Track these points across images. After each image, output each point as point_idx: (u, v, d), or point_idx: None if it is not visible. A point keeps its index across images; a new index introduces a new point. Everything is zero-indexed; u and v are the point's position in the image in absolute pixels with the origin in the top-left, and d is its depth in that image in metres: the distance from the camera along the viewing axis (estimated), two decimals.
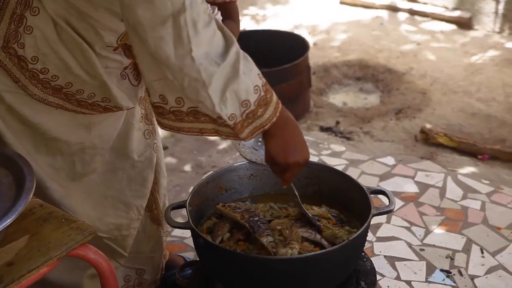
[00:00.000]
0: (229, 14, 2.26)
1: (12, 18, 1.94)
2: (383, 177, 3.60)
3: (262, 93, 1.81)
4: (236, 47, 1.77)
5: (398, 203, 3.33)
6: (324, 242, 2.12)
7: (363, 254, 2.30)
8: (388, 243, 3.09)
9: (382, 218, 3.22)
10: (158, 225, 2.59)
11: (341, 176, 2.35)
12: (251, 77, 1.79)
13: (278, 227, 2.12)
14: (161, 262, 2.69)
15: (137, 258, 2.57)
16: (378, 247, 3.06)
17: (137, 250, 2.55)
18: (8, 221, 1.71)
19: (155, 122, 2.44)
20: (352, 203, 2.27)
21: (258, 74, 1.82)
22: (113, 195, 2.34)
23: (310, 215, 2.18)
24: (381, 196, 3.13)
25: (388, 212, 2.20)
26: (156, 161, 2.49)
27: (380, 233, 3.15)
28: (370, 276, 2.23)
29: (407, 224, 3.21)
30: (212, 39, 1.73)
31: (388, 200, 2.24)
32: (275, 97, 1.86)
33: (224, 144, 4.05)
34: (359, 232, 2.04)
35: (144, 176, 2.40)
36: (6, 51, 1.98)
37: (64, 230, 1.87)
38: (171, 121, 1.85)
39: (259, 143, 2.22)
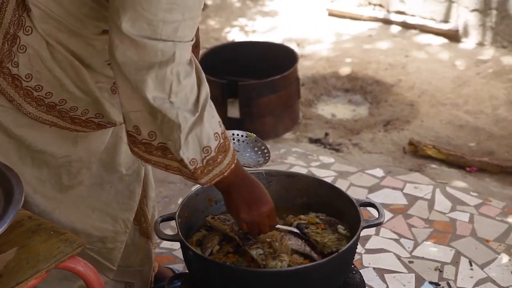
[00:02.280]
0: None
1: (6, 38, 1.95)
2: (372, 189, 3.60)
3: (222, 140, 1.86)
4: (205, 92, 1.83)
5: (387, 215, 3.33)
6: (314, 255, 2.12)
7: (352, 266, 2.30)
8: (377, 255, 3.09)
9: (371, 230, 3.22)
10: (147, 238, 2.58)
11: (331, 189, 2.35)
12: (212, 123, 1.84)
13: (267, 240, 2.11)
14: (150, 276, 2.68)
15: (126, 271, 2.56)
16: (367, 259, 3.06)
17: (126, 263, 2.54)
18: None
19: None
20: (342, 215, 2.27)
21: (219, 121, 1.87)
22: (100, 208, 2.33)
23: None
24: (370, 208, 3.14)
25: (378, 224, 2.21)
26: (144, 173, 2.48)
27: (369, 245, 3.15)
28: None
29: (396, 236, 3.21)
30: (191, 87, 1.79)
31: (377, 213, 2.24)
32: (231, 145, 1.91)
33: None
34: (348, 245, 2.05)
35: (132, 189, 2.40)
36: (0, 71, 1.98)
37: (53, 242, 1.86)
38: (141, 151, 1.89)
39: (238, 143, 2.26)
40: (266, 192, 2.02)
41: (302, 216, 2.28)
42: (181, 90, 1.76)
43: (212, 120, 1.83)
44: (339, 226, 2.21)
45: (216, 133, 1.84)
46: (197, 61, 1.88)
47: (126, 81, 1.75)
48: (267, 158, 2.26)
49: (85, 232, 2.29)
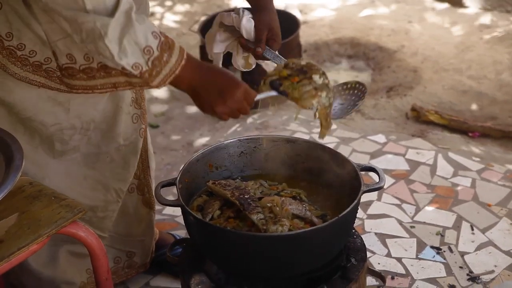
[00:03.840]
0: (260, 3, 2.25)
1: None
2: (374, 155, 3.60)
3: (163, 38, 1.79)
4: (128, 2, 1.76)
5: (389, 180, 3.34)
6: (315, 219, 2.13)
7: (353, 231, 2.31)
8: (379, 220, 3.10)
9: (373, 196, 3.23)
10: (149, 209, 2.59)
11: (331, 154, 2.34)
12: (146, 24, 1.77)
13: (268, 205, 2.12)
14: (152, 246, 2.70)
15: (128, 240, 2.58)
16: (369, 224, 3.07)
17: (128, 232, 2.56)
18: None
19: (144, 106, 2.42)
20: (342, 180, 2.27)
21: (153, 23, 1.80)
22: (93, 176, 2.33)
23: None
24: (371, 174, 3.14)
25: (378, 189, 2.20)
26: (143, 145, 2.48)
27: (371, 210, 3.16)
28: (360, 252, 2.24)
29: (397, 202, 3.22)
30: None
31: (378, 177, 2.24)
32: (177, 43, 1.83)
33: (215, 123, 4.04)
34: (349, 209, 2.04)
35: (127, 160, 2.40)
36: None
37: (54, 208, 1.88)
38: (83, 81, 1.86)
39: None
40: (233, 74, 1.92)
41: (270, 72, 2.12)
42: None
43: (145, 22, 1.77)
44: (314, 75, 2.04)
45: (154, 31, 1.78)
46: None
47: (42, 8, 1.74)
48: (363, 90, 2.16)
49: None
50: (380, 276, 2.31)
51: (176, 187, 2.15)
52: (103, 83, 1.85)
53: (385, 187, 3.11)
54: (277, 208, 2.10)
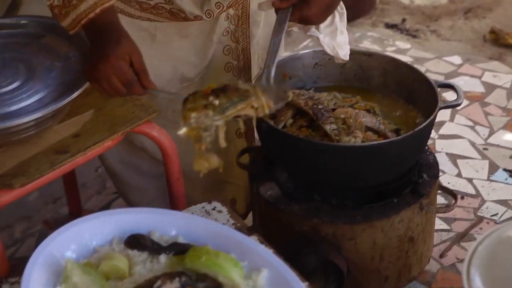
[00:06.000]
0: None
1: None
2: (448, 76, 3.54)
3: None
4: None
5: (463, 102, 3.27)
6: (388, 133, 2.09)
7: (426, 148, 2.27)
8: (451, 140, 3.07)
9: (446, 116, 3.18)
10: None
11: (408, 69, 2.29)
12: None
13: (342, 116, 2.09)
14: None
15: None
16: (440, 144, 3.04)
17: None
18: (74, 94, 1.73)
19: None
20: (418, 96, 2.23)
21: None
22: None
23: None
24: (445, 94, 3.08)
25: (456, 105, 2.17)
26: None
27: (443, 130, 3.13)
28: (432, 169, 2.21)
29: (471, 123, 3.17)
30: None
31: (456, 95, 2.19)
32: None
33: (287, 38, 3.99)
34: (424, 124, 2.01)
35: None
36: None
37: (128, 107, 1.91)
38: None
39: None
40: (115, 47, 1.68)
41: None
42: None
43: None
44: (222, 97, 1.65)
45: None
46: None
47: None
48: None
49: None
50: (451, 193, 2.28)
51: None
52: None
53: (458, 108, 3.06)
54: (351, 120, 2.07)
